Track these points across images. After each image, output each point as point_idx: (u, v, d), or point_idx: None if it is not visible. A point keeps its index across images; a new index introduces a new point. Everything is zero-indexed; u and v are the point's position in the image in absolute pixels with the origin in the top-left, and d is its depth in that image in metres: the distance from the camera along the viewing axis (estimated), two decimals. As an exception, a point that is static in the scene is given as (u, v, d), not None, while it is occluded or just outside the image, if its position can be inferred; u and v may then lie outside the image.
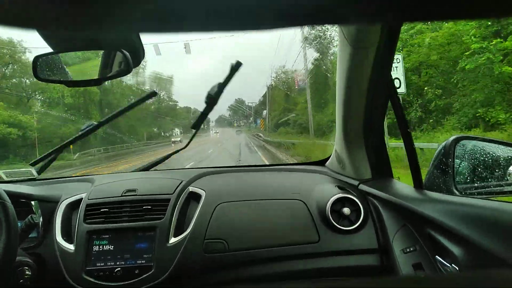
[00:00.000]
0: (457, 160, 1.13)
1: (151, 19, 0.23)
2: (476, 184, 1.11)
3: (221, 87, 1.33)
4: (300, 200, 1.48)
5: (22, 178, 1.85)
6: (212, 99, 1.34)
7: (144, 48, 0.96)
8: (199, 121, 1.47)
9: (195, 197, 1.56)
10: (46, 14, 0.22)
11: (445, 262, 0.96)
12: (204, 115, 1.43)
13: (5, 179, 1.78)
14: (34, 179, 1.86)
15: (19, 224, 1.22)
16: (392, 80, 1.24)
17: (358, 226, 1.37)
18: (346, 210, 1.39)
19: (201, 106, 1.42)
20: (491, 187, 1.09)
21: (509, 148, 1.15)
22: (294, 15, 0.22)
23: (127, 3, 0.21)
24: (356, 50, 1.17)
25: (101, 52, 1.04)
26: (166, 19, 0.23)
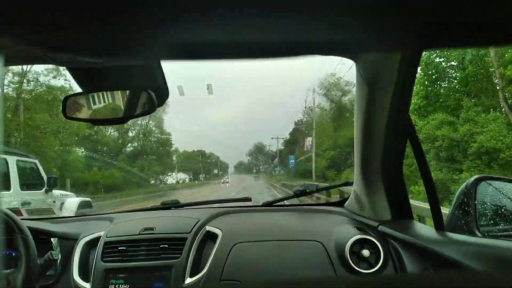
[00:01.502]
0: (479, 201, 1.11)
1: (169, 48, 0.25)
2: (499, 226, 1.08)
3: None
4: (318, 242, 1.46)
5: (44, 216, 1.89)
6: None
7: (169, 89, 1.01)
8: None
9: (212, 236, 1.55)
10: (79, 56, 0.25)
11: None
12: None
13: (27, 216, 1.82)
14: (55, 217, 1.90)
15: (38, 261, 1.23)
16: (410, 119, 1.25)
17: (378, 268, 1.32)
18: (366, 252, 1.35)
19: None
20: (515, 229, 1.06)
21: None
22: (311, 46, 0.24)
23: (151, 34, 0.23)
24: (373, 90, 1.19)
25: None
26: (185, 49, 0.25)
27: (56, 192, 6.92)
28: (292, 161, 35.73)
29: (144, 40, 0.24)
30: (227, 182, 42.35)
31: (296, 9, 0.20)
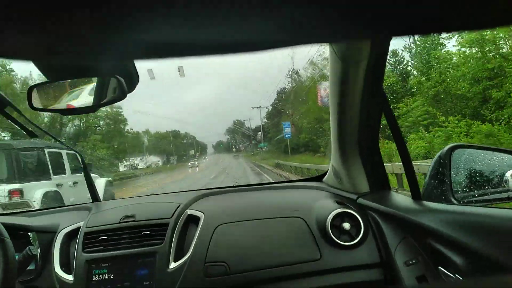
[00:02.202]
0: (454, 169, 1.13)
1: (146, 47, 0.23)
2: (473, 192, 1.11)
3: None
4: (300, 218, 1.47)
5: (19, 209, 1.84)
6: None
7: (138, 73, 0.97)
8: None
9: (194, 220, 1.54)
10: (41, 45, 0.23)
11: (448, 273, 0.96)
12: None
13: (2, 211, 1.76)
14: (31, 210, 1.85)
15: (16, 256, 1.20)
16: (384, 94, 1.26)
17: (359, 240, 1.36)
18: (346, 225, 1.38)
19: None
20: (488, 195, 1.09)
21: (504, 154, 1.16)
22: (284, 37, 0.23)
23: (124, 34, 0.21)
24: (347, 65, 1.19)
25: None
26: (161, 47, 0.23)
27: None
28: (288, 129, 23.59)
29: (113, 40, 0.22)
30: (196, 166, 32.31)
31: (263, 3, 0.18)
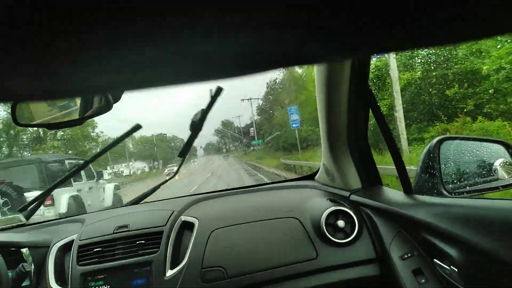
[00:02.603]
0: (443, 161, 1.14)
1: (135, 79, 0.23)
2: (464, 183, 1.12)
3: (205, 113, 1.33)
4: (294, 218, 1.48)
5: (10, 225, 1.81)
6: (196, 125, 1.34)
7: None
8: (186, 149, 1.46)
9: (188, 226, 1.53)
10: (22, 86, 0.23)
11: (444, 265, 0.97)
12: (189, 142, 1.42)
13: None
14: (23, 225, 1.82)
15: (9, 274, 1.18)
16: (370, 91, 1.27)
17: (354, 237, 1.36)
18: (341, 223, 1.38)
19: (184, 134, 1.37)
20: (479, 185, 1.10)
21: (491, 144, 1.17)
22: (264, 61, 0.22)
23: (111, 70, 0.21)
24: (331, 65, 1.20)
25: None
26: (147, 80, 0.23)
27: (100, 181, 10.25)
28: (295, 117, 17.12)
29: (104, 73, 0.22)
30: (172, 173, 24.35)
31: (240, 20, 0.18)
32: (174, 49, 0.20)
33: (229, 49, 0.21)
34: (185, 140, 1.47)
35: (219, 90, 1.26)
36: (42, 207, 5.87)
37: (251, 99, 39.39)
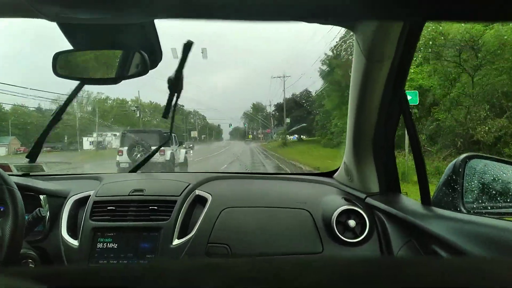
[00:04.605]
0: (467, 178, 1.12)
1: (165, 4, 0.23)
2: (484, 204, 1.10)
3: (178, 71, 1.23)
4: (306, 210, 1.48)
5: (33, 172, 1.88)
6: (172, 83, 1.27)
7: (162, 51, 0.98)
8: (167, 110, 1.39)
9: (201, 200, 1.56)
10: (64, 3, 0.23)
11: None
12: (169, 102, 1.36)
13: (16, 172, 1.81)
14: (44, 174, 1.89)
15: (26, 217, 1.23)
16: (405, 96, 1.24)
17: (362, 239, 1.36)
18: (352, 222, 1.38)
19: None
20: (500, 208, 1.08)
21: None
22: (310, 11, 0.22)
23: None
24: (370, 63, 1.17)
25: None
26: (181, 5, 0.23)
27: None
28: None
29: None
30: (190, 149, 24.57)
31: None
32: None
33: None
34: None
35: (189, 45, 1.16)
36: (158, 154, 8.16)
37: (284, 76, 35.47)
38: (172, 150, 12.48)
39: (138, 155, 11.16)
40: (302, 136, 34.13)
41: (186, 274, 0.32)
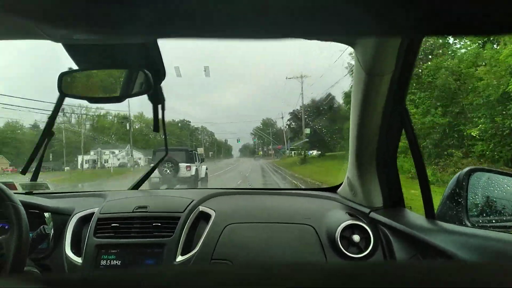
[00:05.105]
0: (471, 192, 1.12)
1: (167, 23, 0.24)
2: (489, 217, 1.10)
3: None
4: (310, 226, 1.47)
5: (38, 190, 1.89)
6: (152, 95, 1.10)
7: (165, 69, 1.00)
8: (155, 123, 1.31)
9: (205, 216, 1.57)
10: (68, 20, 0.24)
11: None
12: (155, 114, 1.23)
13: (22, 191, 1.82)
14: (49, 192, 1.90)
15: (30, 234, 1.24)
16: (406, 110, 1.25)
17: (367, 254, 1.35)
18: (356, 237, 1.37)
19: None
20: (505, 221, 1.07)
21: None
22: (310, 28, 0.23)
23: (143, 8, 0.22)
24: (371, 77, 1.18)
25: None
26: (183, 24, 0.24)
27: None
28: None
29: (141, 15, 0.23)
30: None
31: None
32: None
33: (277, 11, 0.21)
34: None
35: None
36: (185, 170, 12.10)
37: (302, 76, 29.56)
38: (196, 166, 13.25)
39: (168, 171, 11.82)
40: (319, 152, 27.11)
41: (183, 277, 0.32)
